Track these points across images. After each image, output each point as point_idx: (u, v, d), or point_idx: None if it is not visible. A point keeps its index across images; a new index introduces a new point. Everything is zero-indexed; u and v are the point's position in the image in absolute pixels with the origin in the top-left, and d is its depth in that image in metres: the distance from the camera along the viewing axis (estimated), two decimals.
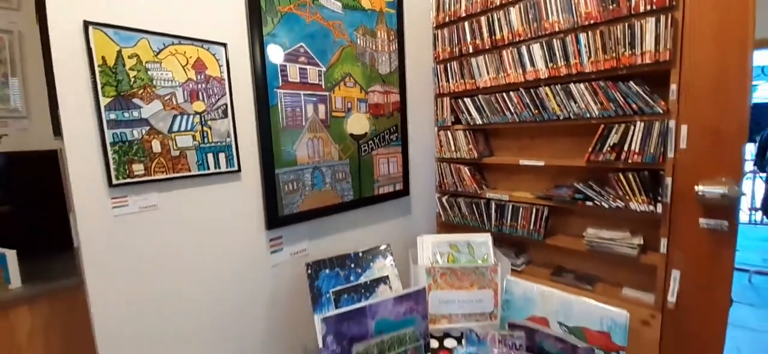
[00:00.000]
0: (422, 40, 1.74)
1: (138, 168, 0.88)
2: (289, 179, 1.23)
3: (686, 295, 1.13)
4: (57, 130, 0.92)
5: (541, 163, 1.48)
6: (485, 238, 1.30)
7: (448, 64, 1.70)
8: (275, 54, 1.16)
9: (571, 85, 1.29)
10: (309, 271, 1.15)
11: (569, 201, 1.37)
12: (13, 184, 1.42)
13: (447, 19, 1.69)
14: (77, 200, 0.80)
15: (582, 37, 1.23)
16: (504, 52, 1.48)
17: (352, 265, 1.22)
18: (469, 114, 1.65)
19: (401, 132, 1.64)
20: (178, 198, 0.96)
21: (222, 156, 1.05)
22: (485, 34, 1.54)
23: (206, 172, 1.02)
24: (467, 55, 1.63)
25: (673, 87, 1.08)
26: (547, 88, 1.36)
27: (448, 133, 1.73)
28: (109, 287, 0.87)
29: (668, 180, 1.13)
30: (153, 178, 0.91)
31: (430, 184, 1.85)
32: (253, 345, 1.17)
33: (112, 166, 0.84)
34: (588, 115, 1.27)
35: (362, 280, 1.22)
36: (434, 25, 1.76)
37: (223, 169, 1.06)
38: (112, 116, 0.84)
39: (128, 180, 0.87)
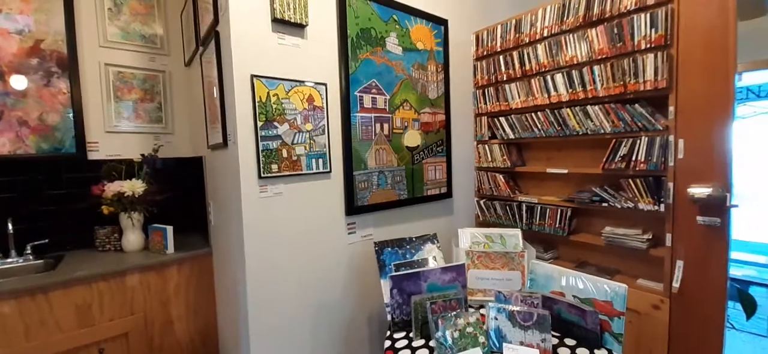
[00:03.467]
0: (464, 71, 2.12)
1: (274, 167, 1.35)
2: (362, 179, 1.65)
3: (689, 281, 1.36)
4: (225, 142, 1.41)
5: (565, 171, 1.76)
6: (516, 232, 1.61)
7: (486, 90, 2.05)
8: (356, 88, 1.61)
9: (588, 107, 1.58)
10: (376, 249, 1.55)
11: (589, 202, 1.64)
12: (170, 180, 2.01)
13: (485, 53, 2.06)
14: (244, 185, 1.28)
15: (596, 68, 1.53)
16: (532, 80, 1.81)
17: (408, 246, 1.60)
18: (504, 130, 1.98)
19: (446, 145, 2.01)
20: (294, 188, 1.42)
21: (321, 161, 1.50)
22: (517, 66, 1.88)
23: (311, 171, 1.47)
24: (502, 82, 1.97)
25: (671, 108, 1.35)
26: (568, 109, 1.66)
27: (486, 146, 2.07)
28: (256, 238, 1.33)
29: (670, 184, 1.37)
30: (281, 174, 1.37)
31: (470, 189, 2.19)
32: (334, 298, 1.59)
33: (261, 165, 1.31)
34: (602, 131, 1.56)
35: (415, 258, 1.59)
36: (474, 58, 2.13)
37: (321, 170, 1.50)
38: (263, 133, 1.32)
39: (268, 175, 1.34)
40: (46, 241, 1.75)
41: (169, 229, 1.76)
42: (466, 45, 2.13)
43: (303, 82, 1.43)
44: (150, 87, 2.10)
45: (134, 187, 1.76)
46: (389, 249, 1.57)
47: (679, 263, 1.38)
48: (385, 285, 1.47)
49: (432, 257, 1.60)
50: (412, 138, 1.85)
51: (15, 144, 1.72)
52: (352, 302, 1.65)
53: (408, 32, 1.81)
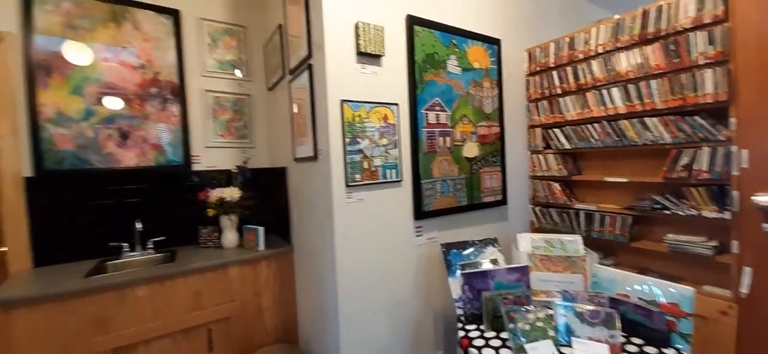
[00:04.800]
0: (516, 86, 2.26)
1: (357, 177, 1.58)
2: (428, 187, 1.84)
3: (757, 288, 1.38)
4: (315, 156, 1.67)
5: (625, 180, 1.83)
6: (576, 238, 1.69)
7: (539, 103, 2.17)
8: (422, 106, 1.81)
9: (646, 119, 1.66)
10: (443, 250, 1.73)
11: (650, 210, 1.70)
12: (259, 187, 2.33)
13: (537, 69, 2.18)
14: (335, 192, 1.52)
15: (653, 82, 1.62)
16: (587, 93, 1.91)
17: (471, 249, 1.76)
18: (558, 141, 2.08)
19: (501, 155, 2.15)
20: (373, 195, 1.64)
21: (393, 171, 1.71)
22: (571, 80, 1.99)
23: (386, 180, 1.68)
24: (555, 96, 2.08)
25: (733, 120, 1.40)
26: (625, 121, 1.74)
27: (540, 156, 2.18)
28: (344, 238, 1.55)
29: (735, 193, 1.42)
30: (363, 183, 1.60)
31: (524, 197, 2.30)
32: (405, 295, 1.77)
33: (347, 175, 1.55)
34: (661, 142, 1.63)
35: (479, 259, 1.74)
36: (527, 73, 2.26)
37: (394, 179, 1.71)
38: (349, 148, 1.55)
39: (352, 184, 1.57)
40: (164, 237, 2.11)
41: (261, 229, 2.05)
42: (519, 62, 2.27)
43: (379, 103, 1.66)
44: (238, 108, 2.45)
45: (232, 193, 2.08)
46: (454, 250, 1.74)
47: (747, 269, 1.41)
48: (454, 283, 1.63)
49: (493, 259, 1.75)
50: (471, 149, 2.02)
51: (139, 158, 2.11)
52: (421, 299, 1.82)
53: (465, 54, 1.99)
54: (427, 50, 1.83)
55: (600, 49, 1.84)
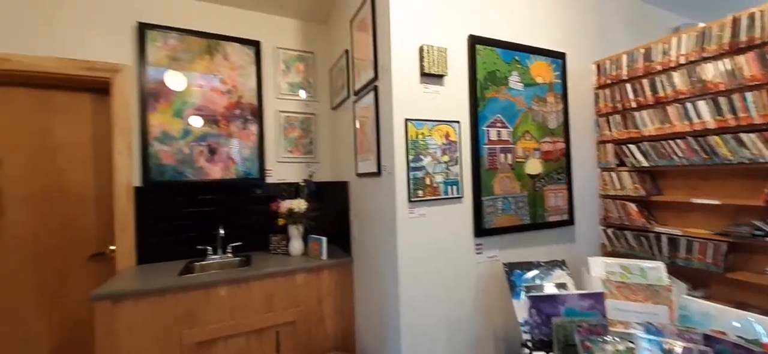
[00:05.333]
0: (584, 99, 2.16)
1: (420, 193, 1.63)
2: (488, 204, 1.82)
3: None
4: (379, 171, 1.76)
5: (716, 202, 1.65)
6: (658, 265, 1.53)
7: (610, 117, 2.05)
8: (483, 123, 1.82)
9: (741, 135, 1.49)
10: (506, 269, 1.69)
11: (750, 237, 1.50)
12: (322, 199, 2.50)
13: (608, 82, 2.07)
14: (398, 208, 1.58)
15: (748, 95, 1.45)
16: (668, 107, 1.76)
17: (537, 270, 1.69)
18: (634, 157, 1.94)
19: (566, 172, 2.06)
20: (434, 211, 1.67)
21: (454, 187, 1.73)
22: (647, 93, 1.86)
23: (447, 197, 1.71)
24: (630, 110, 1.95)
25: None
26: (716, 137, 1.58)
27: (613, 173, 2.04)
28: (406, 252, 1.60)
29: None
30: (425, 198, 1.64)
31: (593, 217, 2.16)
32: (465, 312, 1.75)
33: (410, 191, 1.61)
34: (761, 160, 1.44)
35: (545, 282, 1.67)
36: (595, 87, 2.15)
37: (455, 195, 1.73)
38: (412, 165, 1.61)
39: (415, 200, 1.62)
40: (240, 243, 2.35)
41: (324, 239, 2.19)
42: (585, 75, 2.17)
43: (442, 121, 1.71)
44: (305, 126, 2.66)
45: (300, 205, 2.25)
46: (518, 271, 1.69)
47: None
48: (518, 305, 1.58)
49: (561, 283, 1.66)
50: (534, 166, 1.96)
51: (223, 171, 2.39)
52: (481, 318, 1.79)
53: (528, 69, 1.97)
54: (488, 68, 1.84)
55: (682, 60, 1.70)
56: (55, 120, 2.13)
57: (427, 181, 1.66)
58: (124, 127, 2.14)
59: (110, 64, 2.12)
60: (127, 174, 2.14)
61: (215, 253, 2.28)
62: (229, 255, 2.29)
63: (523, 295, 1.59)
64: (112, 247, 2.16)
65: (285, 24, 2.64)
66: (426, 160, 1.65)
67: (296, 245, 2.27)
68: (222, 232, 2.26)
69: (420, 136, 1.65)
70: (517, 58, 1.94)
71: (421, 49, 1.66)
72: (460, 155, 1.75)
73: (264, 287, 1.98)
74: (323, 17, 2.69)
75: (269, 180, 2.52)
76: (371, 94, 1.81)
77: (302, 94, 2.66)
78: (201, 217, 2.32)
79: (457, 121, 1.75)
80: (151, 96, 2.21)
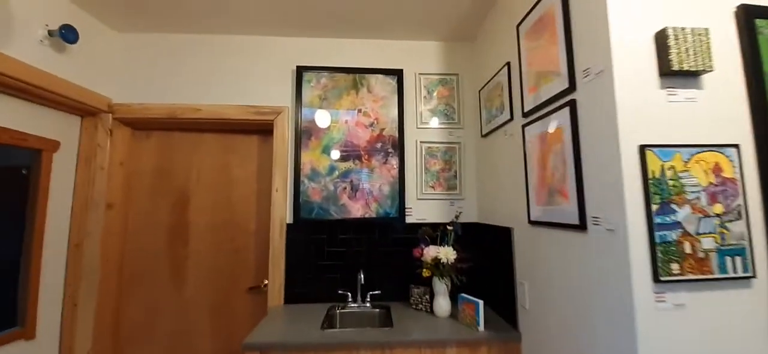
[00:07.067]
0: None
1: (674, 268, 0.98)
2: None
3: None
4: (582, 224, 1.18)
5: None
6: None
7: None
8: None
9: None
10: None
11: None
12: (470, 246, 2.03)
13: None
14: (635, 288, 0.97)
15: None
16: None
17: None
18: None
19: None
20: (701, 299, 0.98)
21: (738, 260, 0.99)
22: None
23: (725, 276, 0.99)
24: None
25: None
26: None
27: None
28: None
29: None
30: (684, 277, 0.97)
31: None
32: None
33: (657, 264, 0.97)
34: None
35: None
36: None
37: (739, 274, 0.99)
38: (658, 220, 0.99)
39: (666, 279, 0.97)
40: (379, 292, 2.08)
41: (481, 303, 1.69)
42: None
43: (705, 146, 1.03)
44: (449, 158, 2.29)
45: (448, 254, 1.84)
46: None
47: None
48: None
49: None
50: None
51: (364, 209, 2.21)
52: None
53: None
54: None
55: None
56: (231, 159, 2.37)
57: (687, 248, 0.99)
58: (281, 165, 2.20)
59: (274, 107, 2.24)
60: (282, 210, 2.18)
61: (354, 301, 2.07)
62: (368, 305, 2.04)
63: None
64: (265, 282, 2.20)
65: (426, 48, 2.39)
66: (682, 213, 1.00)
67: (443, 304, 1.85)
68: (362, 278, 2.04)
69: (668, 172, 1.01)
70: None
71: (661, 35, 1.05)
72: (744, 203, 1.02)
73: None
74: (470, 33, 2.31)
75: (409, 220, 2.21)
76: (562, 112, 1.28)
77: (435, 122, 2.31)
78: (342, 257, 2.17)
79: (735, 145, 1.03)
80: (304, 134, 2.23)
